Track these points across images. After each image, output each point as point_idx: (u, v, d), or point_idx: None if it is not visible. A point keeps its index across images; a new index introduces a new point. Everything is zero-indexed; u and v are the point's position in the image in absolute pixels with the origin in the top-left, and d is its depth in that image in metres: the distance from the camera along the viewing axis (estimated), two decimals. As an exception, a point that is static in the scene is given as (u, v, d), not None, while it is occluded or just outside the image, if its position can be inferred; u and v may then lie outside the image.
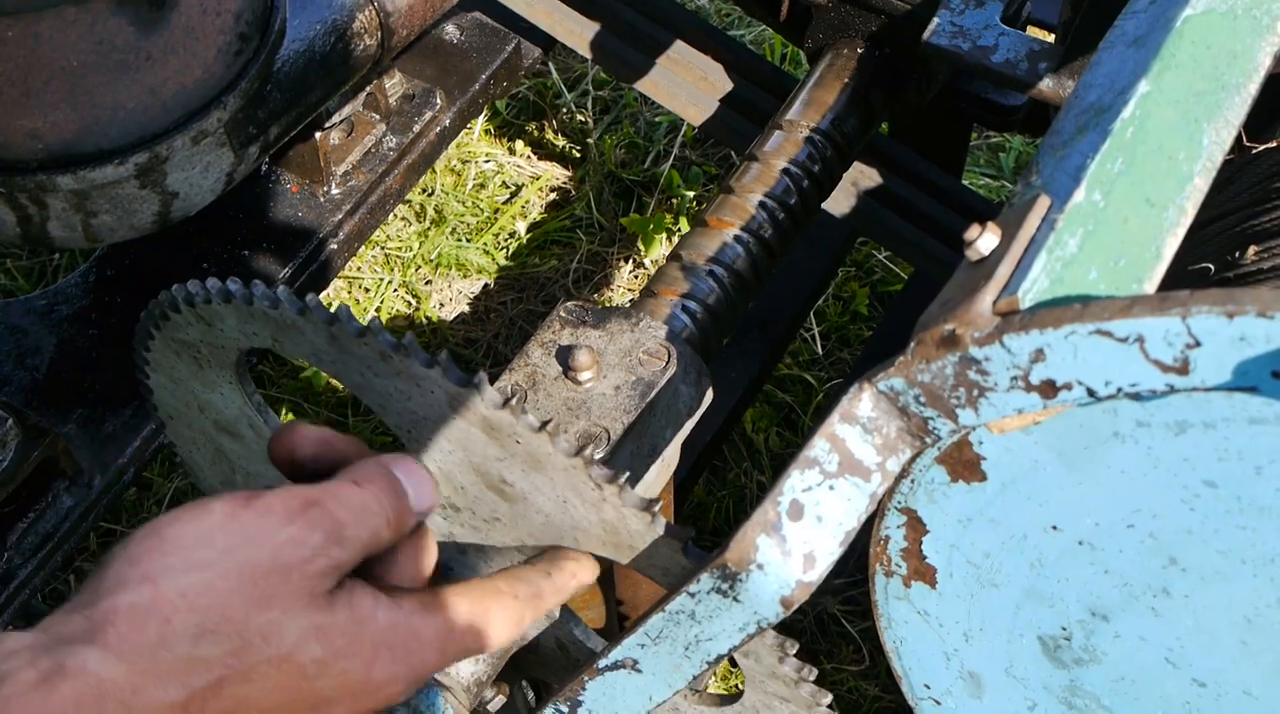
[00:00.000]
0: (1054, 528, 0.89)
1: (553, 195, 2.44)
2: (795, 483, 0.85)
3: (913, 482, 0.92)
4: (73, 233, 1.25)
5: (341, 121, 1.68)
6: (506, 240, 2.37)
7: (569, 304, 1.16)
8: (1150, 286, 0.82)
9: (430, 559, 0.92)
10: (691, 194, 2.38)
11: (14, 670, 0.75)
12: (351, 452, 0.92)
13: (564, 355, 1.11)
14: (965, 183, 2.14)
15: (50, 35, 1.12)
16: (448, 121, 1.76)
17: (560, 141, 2.50)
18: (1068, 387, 0.77)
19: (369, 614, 0.85)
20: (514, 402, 0.89)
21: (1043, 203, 0.83)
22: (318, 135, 1.61)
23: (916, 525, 0.95)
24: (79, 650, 0.76)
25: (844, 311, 2.25)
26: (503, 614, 0.92)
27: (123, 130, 1.19)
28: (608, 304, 2.25)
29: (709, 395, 1.18)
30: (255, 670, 0.80)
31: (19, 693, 0.74)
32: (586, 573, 0.97)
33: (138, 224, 1.26)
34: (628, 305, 1.22)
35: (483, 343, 2.24)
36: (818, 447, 0.85)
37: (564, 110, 2.53)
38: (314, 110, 1.37)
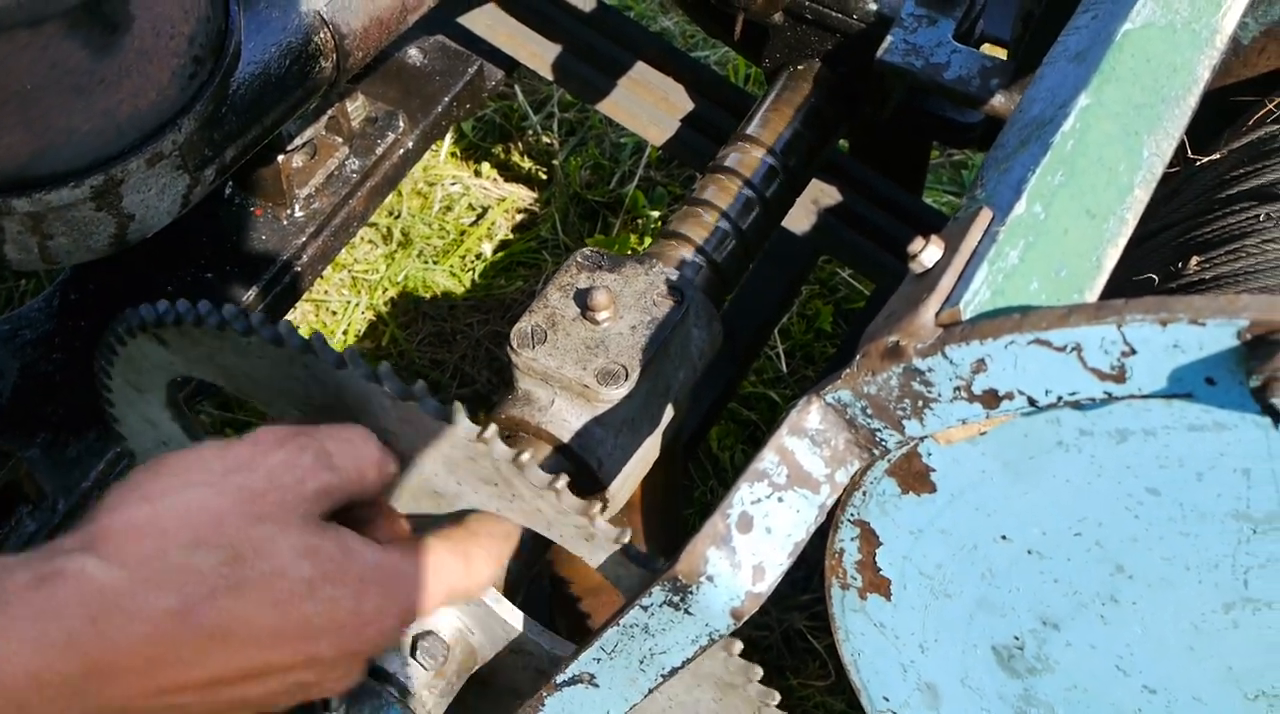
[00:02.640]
0: (1003, 537, 0.90)
1: (519, 217, 2.45)
2: (744, 495, 0.86)
3: (865, 494, 0.93)
4: (29, 255, 1.25)
5: (304, 144, 1.68)
6: (473, 262, 2.38)
7: (585, 250, 1.20)
8: (1091, 296, 0.82)
9: (405, 527, 0.95)
10: (656, 214, 2.39)
11: (10, 573, 0.77)
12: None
13: (581, 297, 1.16)
14: (928, 200, 2.16)
15: (3, 59, 1.12)
16: (411, 144, 1.76)
17: (526, 163, 2.51)
18: (1009, 396, 0.78)
19: (357, 549, 0.87)
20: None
21: (985, 216, 0.84)
22: (280, 158, 1.61)
23: (870, 538, 0.96)
24: (77, 558, 0.78)
25: (808, 329, 2.26)
26: (482, 553, 0.95)
27: (77, 153, 1.19)
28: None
29: (720, 340, 1.22)
30: (247, 583, 0.82)
31: (18, 593, 0.76)
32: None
33: (94, 246, 1.26)
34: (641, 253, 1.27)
35: (450, 364, 2.24)
36: (767, 459, 0.86)
37: (530, 132, 2.54)
38: (270, 133, 1.37)
